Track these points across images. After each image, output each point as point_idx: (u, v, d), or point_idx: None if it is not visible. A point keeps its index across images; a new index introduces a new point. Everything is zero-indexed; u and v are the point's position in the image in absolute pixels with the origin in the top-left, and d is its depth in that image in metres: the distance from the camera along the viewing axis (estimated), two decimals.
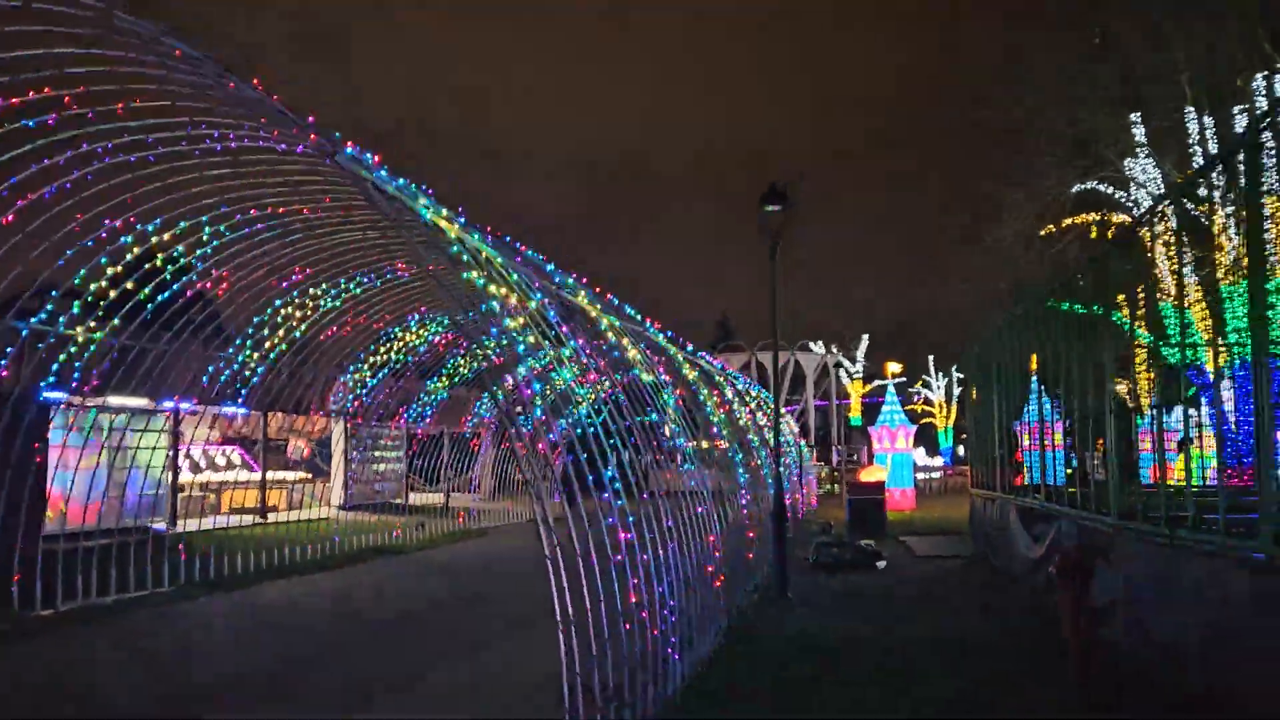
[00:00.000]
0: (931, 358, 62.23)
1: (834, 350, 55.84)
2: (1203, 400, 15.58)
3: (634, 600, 6.16)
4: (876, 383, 54.72)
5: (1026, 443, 14.32)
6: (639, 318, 15.57)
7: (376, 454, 26.06)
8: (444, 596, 13.27)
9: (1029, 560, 11.96)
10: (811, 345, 55.84)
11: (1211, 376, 15.21)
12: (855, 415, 58.87)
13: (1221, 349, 15.94)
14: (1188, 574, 6.90)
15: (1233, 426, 17.46)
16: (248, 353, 16.85)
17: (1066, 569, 6.47)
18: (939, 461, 54.11)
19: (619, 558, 6.14)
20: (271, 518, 21.92)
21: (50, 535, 13.43)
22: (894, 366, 38.23)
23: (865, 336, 58.29)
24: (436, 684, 7.88)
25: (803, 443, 32.66)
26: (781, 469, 14.00)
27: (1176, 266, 11.05)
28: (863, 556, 15.31)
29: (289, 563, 15.15)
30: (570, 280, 10.87)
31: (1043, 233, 25.10)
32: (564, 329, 7.96)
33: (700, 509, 9.30)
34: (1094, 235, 24.28)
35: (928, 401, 63.27)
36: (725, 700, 7.10)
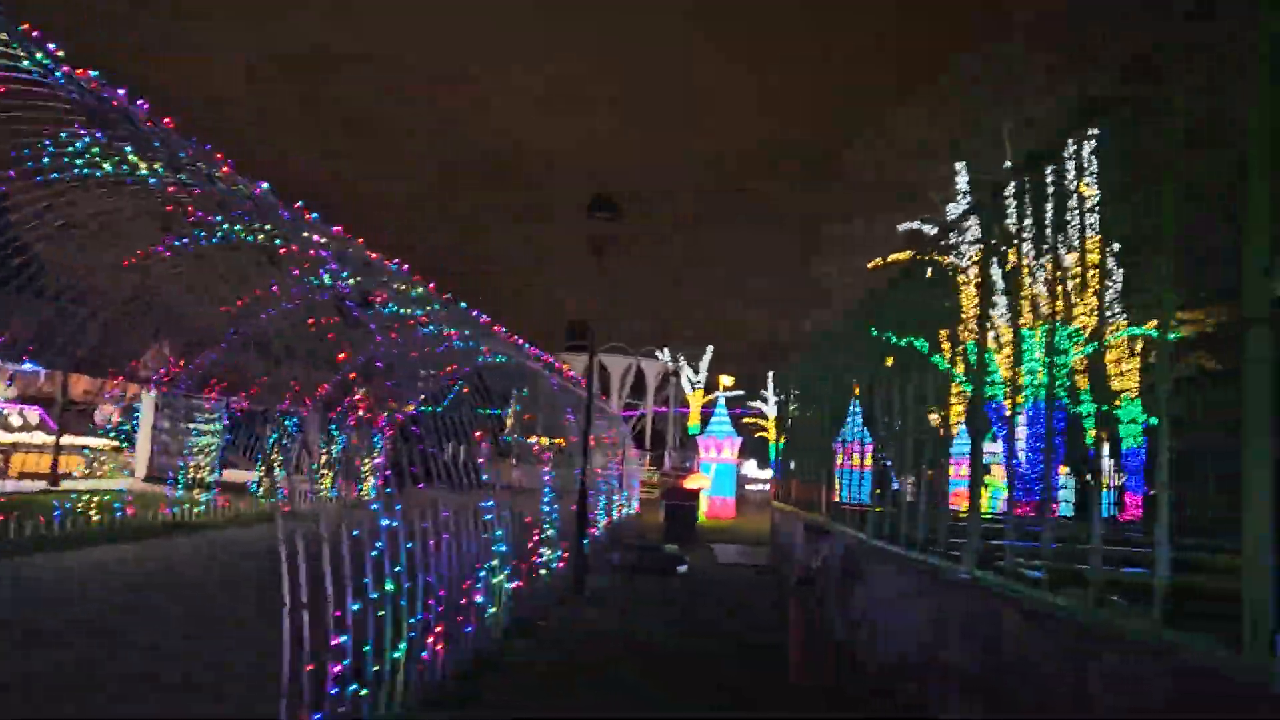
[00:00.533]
0: (771, 374, 64.54)
1: (679, 359, 57.02)
2: (998, 436, 16.85)
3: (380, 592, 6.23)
4: (716, 394, 56.35)
5: (840, 462, 15.14)
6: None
7: (190, 426, 24.99)
8: (213, 578, 12.48)
9: (806, 569, 12.68)
10: (658, 353, 56.94)
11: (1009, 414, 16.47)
12: (694, 424, 60.39)
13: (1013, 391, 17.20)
14: (917, 588, 7.55)
15: (1021, 462, 19.01)
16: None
17: (800, 578, 7.01)
18: (768, 474, 56.12)
19: (378, 547, 6.24)
20: (66, 485, 20.72)
21: None
22: (726, 380, 39.44)
23: (710, 348, 59.88)
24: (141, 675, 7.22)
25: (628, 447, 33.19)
26: (598, 473, 14.35)
27: (977, 307, 11.94)
28: (664, 561, 15.82)
29: (60, 534, 14.33)
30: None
31: (870, 265, 26.51)
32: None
33: (489, 504, 9.41)
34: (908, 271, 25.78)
35: (763, 416, 65.44)
36: (480, 691, 7.29)
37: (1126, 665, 3.91)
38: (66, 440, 23.03)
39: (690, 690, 7.71)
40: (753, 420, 62.48)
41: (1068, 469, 19.73)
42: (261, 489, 22.55)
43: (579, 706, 7.11)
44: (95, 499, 16.50)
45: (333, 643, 5.50)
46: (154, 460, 24.45)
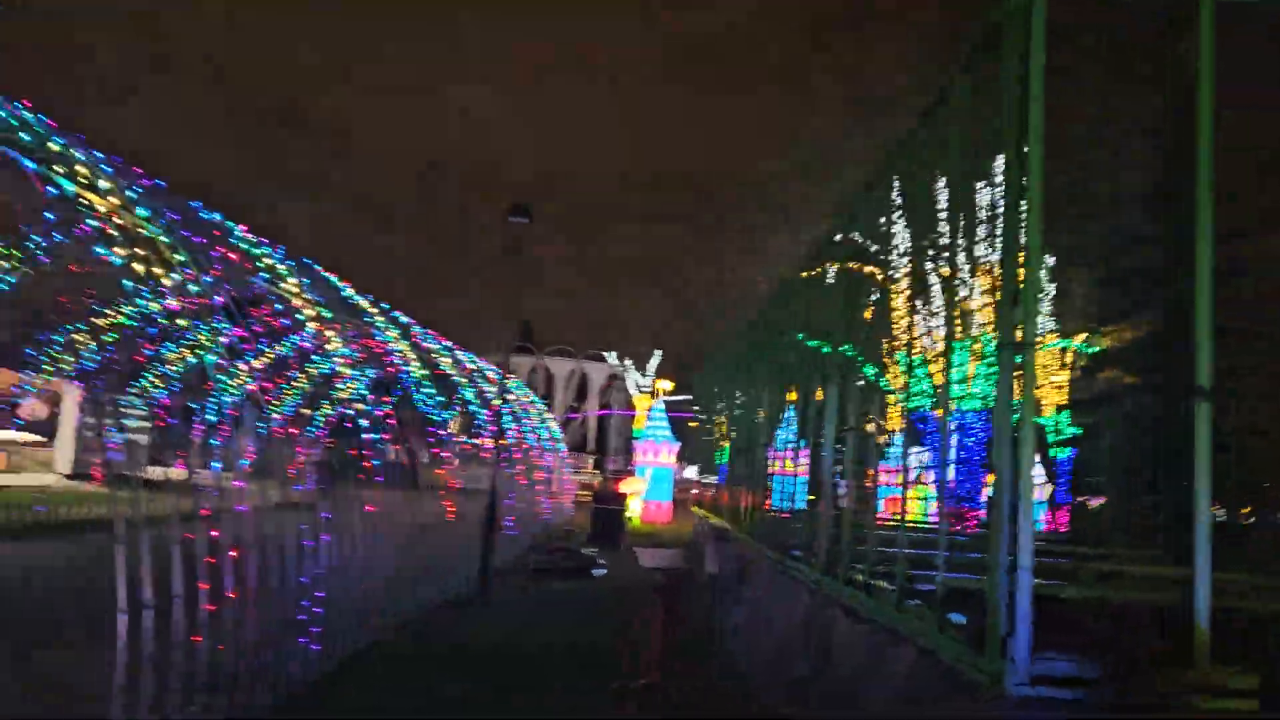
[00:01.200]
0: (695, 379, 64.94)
1: (625, 363, 57.16)
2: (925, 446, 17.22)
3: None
4: (670, 398, 56.65)
5: (776, 468, 15.36)
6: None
7: (114, 422, 24.62)
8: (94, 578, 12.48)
9: (708, 574, 12.92)
10: (605, 355, 57.05)
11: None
12: (639, 428, 60.63)
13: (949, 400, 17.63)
14: (788, 588, 7.79)
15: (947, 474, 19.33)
16: None
17: (663, 583, 7.19)
18: (713, 479, 56.57)
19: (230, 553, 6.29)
20: None
21: None
22: (665, 384, 39.75)
23: (658, 353, 60.13)
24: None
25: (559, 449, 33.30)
26: (519, 477, 14.45)
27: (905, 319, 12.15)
28: (579, 564, 15.96)
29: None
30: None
31: (804, 274, 26.87)
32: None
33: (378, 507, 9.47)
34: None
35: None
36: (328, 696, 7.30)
37: (894, 661, 4.13)
38: None
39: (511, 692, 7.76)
40: (695, 425, 62.97)
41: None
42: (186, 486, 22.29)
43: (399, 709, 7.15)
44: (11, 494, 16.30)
45: (182, 641, 5.55)
46: (77, 457, 24.08)
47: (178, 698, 5.54)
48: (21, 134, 6.04)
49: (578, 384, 53.86)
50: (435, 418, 19.50)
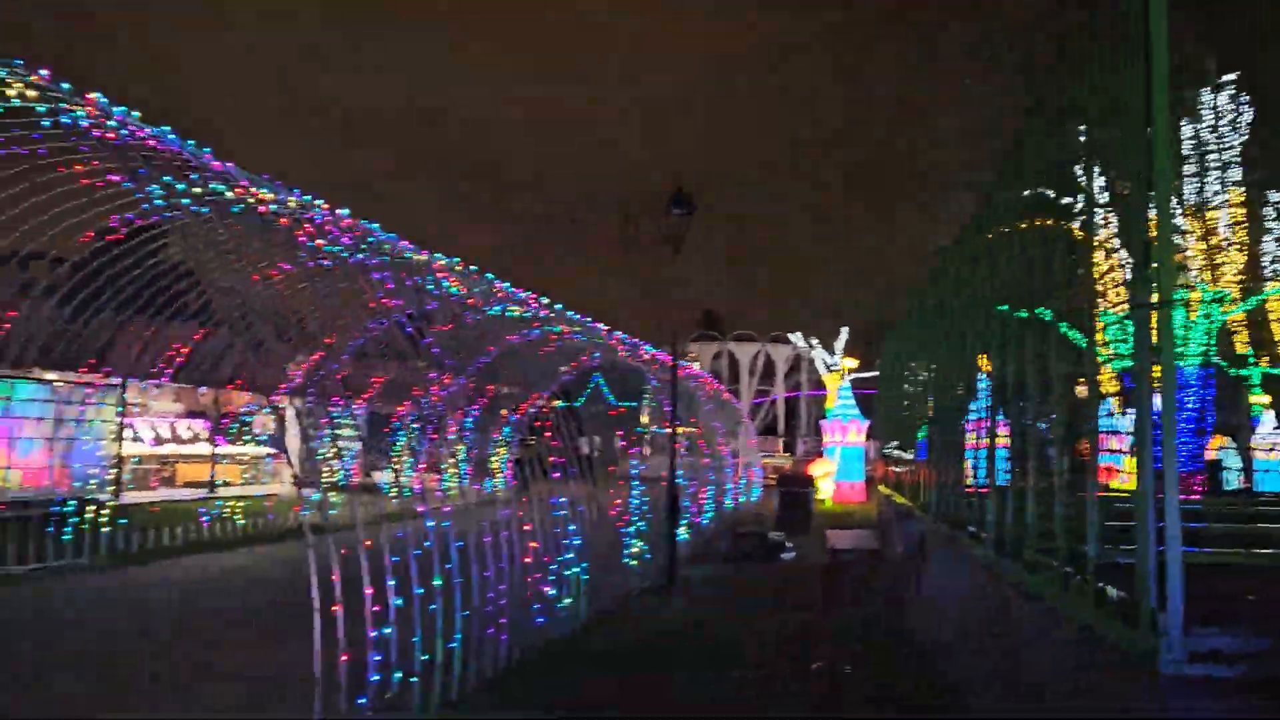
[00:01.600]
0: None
1: (811, 343, 56.28)
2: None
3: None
4: (855, 375, 55.44)
5: (973, 441, 14.85)
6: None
7: (333, 432, 26.65)
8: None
9: (885, 553, 12.65)
10: (790, 337, 56.42)
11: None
12: (831, 407, 59.60)
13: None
14: (962, 567, 7.57)
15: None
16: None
17: (827, 570, 7.15)
18: (910, 455, 54.81)
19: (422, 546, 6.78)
20: (223, 492, 22.57)
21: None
22: (850, 362, 38.86)
23: (845, 330, 58.89)
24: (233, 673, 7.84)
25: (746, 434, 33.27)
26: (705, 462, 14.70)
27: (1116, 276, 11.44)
28: (767, 548, 15.98)
29: (214, 537, 15.78)
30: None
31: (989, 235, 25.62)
32: None
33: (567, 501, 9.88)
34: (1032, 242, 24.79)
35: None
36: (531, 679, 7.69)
37: (1054, 640, 3.97)
38: (224, 450, 25.06)
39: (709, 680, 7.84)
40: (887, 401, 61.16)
41: (1229, 440, 18.59)
42: (393, 489, 23.87)
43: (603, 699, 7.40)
44: (242, 504, 18.05)
45: (373, 634, 6.03)
46: (300, 466, 26.23)
47: (378, 685, 6.04)
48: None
49: (763, 367, 53.51)
50: (623, 410, 20.10)
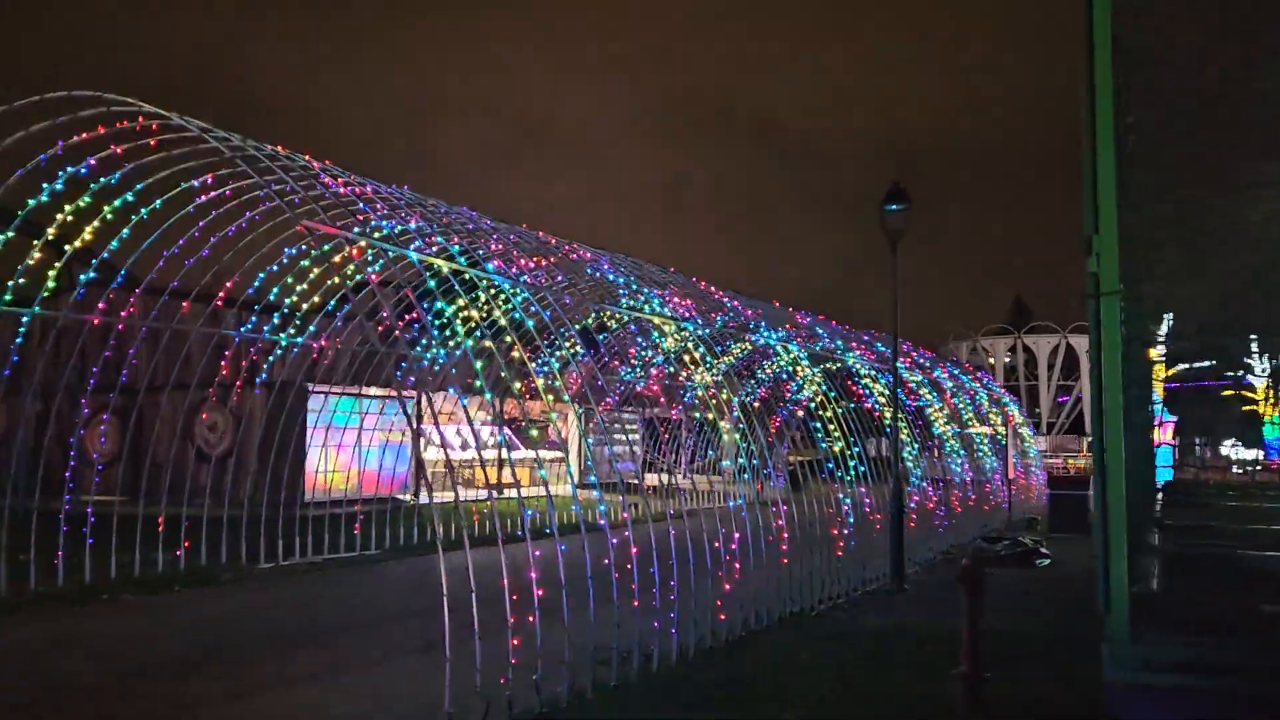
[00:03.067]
0: (1254, 339, 55.36)
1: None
2: None
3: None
4: (1180, 366, 49.79)
5: None
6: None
7: (614, 436, 28.45)
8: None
9: None
10: None
11: None
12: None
13: None
14: None
15: None
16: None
17: (963, 577, 6.88)
18: (1254, 455, 48.32)
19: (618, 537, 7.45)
20: (510, 493, 24.87)
21: (317, 502, 16.91)
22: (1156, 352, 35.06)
23: (1168, 317, 53.13)
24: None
25: (1029, 431, 31.17)
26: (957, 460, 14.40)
27: None
28: (1020, 553, 15.18)
29: (490, 533, 17.50)
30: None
31: None
32: None
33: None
34: None
35: (1247, 388, 56.34)
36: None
37: None
38: (519, 455, 27.55)
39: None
40: (1228, 394, 54.19)
41: None
42: (668, 489, 25.03)
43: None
44: (534, 502, 19.88)
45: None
46: (583, 468, 28.19)
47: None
48: None
49: (1064, 361, 49.53)
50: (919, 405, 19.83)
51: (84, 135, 9.64)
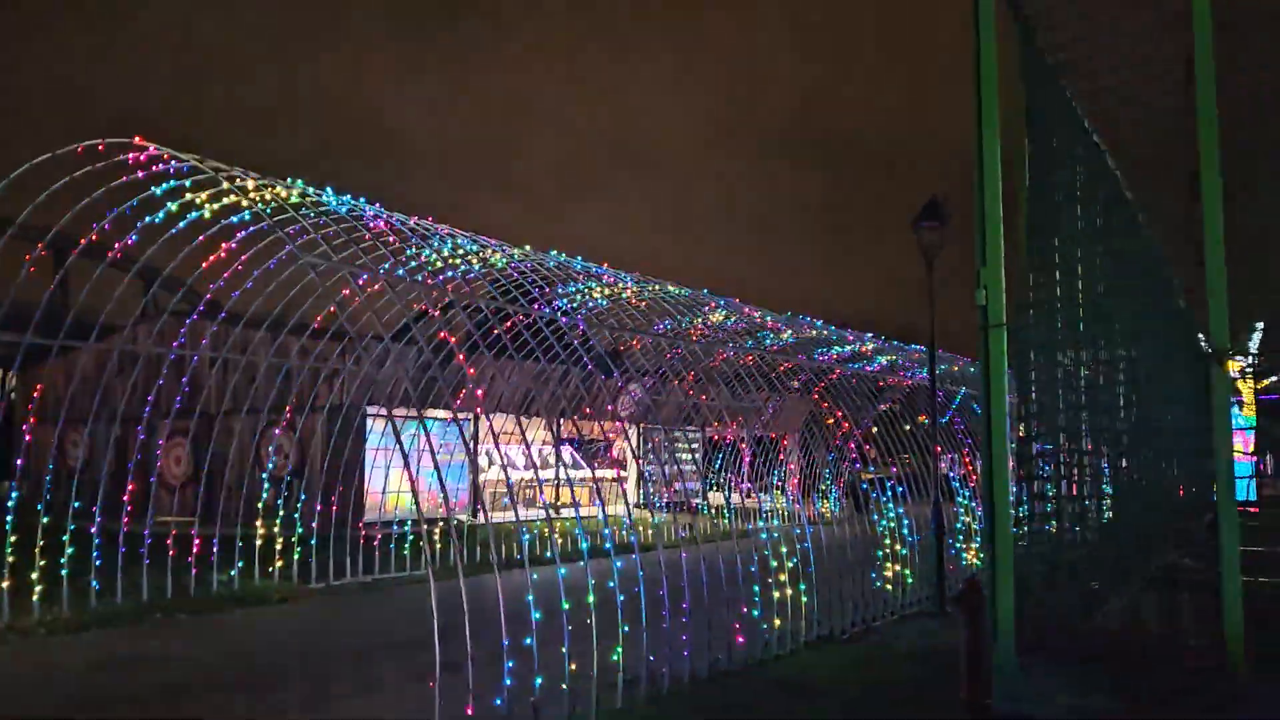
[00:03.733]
0: None
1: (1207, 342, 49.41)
2: None
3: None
4: (1274, 378, 47.63)
5: None
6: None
7: (674, 455, 28.53)
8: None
9: None
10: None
11: None
12: (1249, 415, 51.57)
13: None
14: None
15: None
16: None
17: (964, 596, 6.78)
18: None
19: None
20: (567, 513, 25.14)
21: (373, 521, 17.39)
22: (1234, 364, 33.64)
23: (1260, 325, 50.84)
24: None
25: None
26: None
27: None
28: None
29: (545, 553, 17.75)
30: None
31: None
32: None
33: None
34: None
35: None
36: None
37: None
38: (578, 474, 27.86)
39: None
40: None
41: None
42: (724, 510, 25.02)
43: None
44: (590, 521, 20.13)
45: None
46: (643, 487, 28.33)
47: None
48: None
49: None
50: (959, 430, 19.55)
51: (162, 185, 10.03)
